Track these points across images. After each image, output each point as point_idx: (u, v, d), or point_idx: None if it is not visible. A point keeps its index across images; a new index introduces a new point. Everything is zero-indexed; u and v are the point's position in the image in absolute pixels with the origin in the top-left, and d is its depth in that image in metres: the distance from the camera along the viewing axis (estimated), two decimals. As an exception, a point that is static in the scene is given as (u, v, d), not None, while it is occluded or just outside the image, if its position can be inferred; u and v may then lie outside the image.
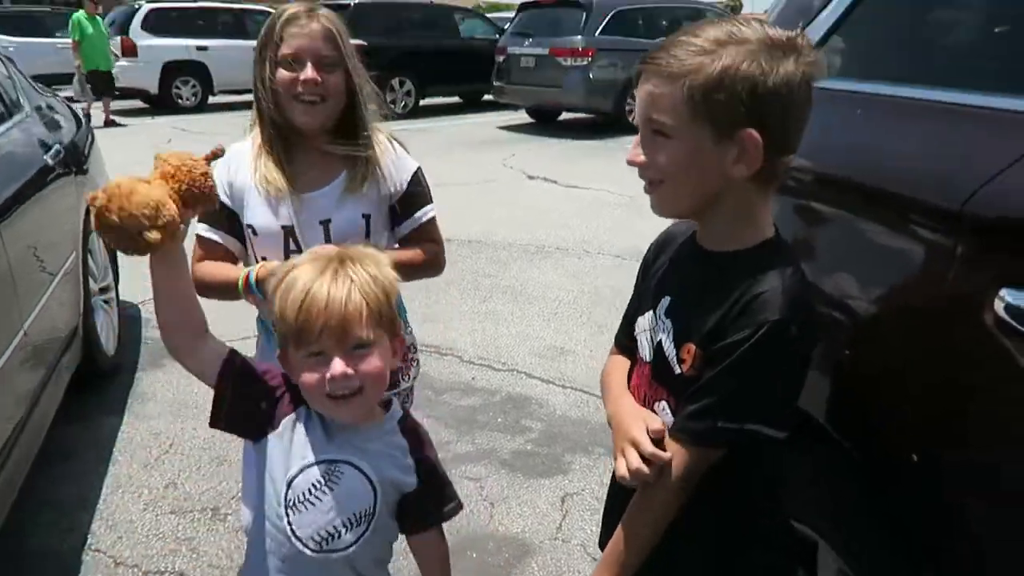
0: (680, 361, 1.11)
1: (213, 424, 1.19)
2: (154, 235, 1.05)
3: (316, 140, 1.63)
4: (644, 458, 1.07)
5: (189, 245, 1.23)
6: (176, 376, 3.49)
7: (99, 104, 11.54)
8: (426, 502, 1.21)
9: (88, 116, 11.22)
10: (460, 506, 1.26)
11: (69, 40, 15.72)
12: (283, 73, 1.56)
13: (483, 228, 5.88)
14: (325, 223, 1.61)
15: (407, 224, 1.73)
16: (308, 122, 1.59)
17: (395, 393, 1.74)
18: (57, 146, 3.28)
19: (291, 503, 1.14)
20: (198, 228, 1.66)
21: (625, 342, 1.29)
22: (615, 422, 1.18)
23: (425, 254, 1.75)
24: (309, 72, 1.54)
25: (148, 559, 2.37)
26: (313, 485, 1.13)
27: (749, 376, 1.02)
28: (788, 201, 1.52)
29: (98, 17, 11.45)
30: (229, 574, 2.28)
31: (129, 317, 4.08)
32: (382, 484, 1.16)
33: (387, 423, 1.21)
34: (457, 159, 8.76)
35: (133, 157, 9.00)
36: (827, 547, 1.33)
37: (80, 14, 11.23)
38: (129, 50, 12.57)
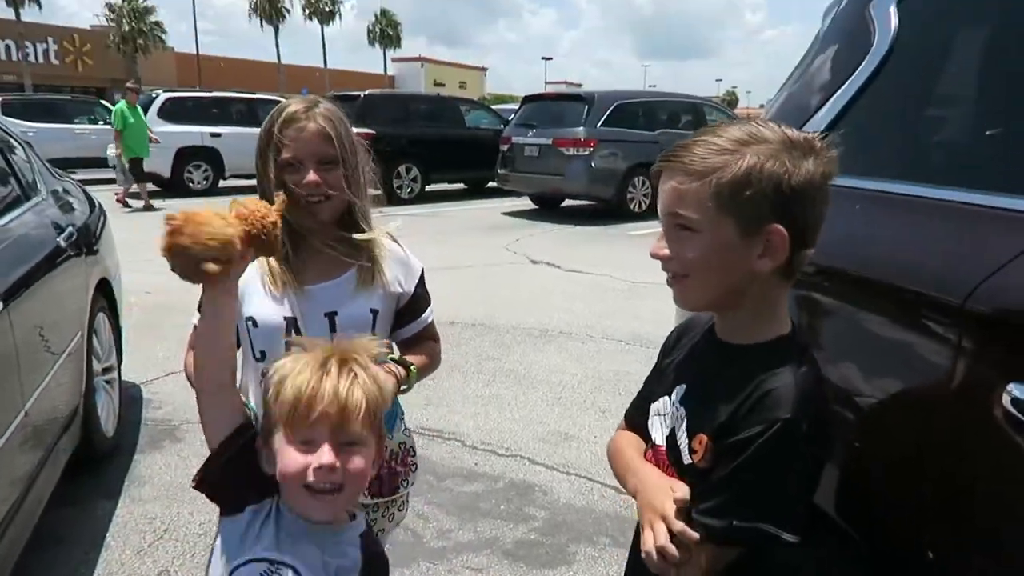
0: (692, 451, 1.11)
1: (197, 486, 1.18)
2: (212, 267, 1.10)
3: (323, 233, 1.62)
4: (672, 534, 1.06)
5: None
6: (175, 459, 3.45)
7: (117, 187, 11.81)
8: None
9: (149, 205, 11.21)
10: None
11: (87, 126, 16.31)
12: (285, 177, 1.56)
13: (487, 311, 5.91)
14: (331, 315, 1.60)
15: (415, 325, 1.75)
16: (313, 220, 1.60)
17: (392, 500, 1.70)
18: (70, 228, 3.34)
19: None
20: (195, 317, 1.64)
21: (637, 419, 1.29)
22: (641, 494, 1.15)
23: (429, 354, 1.77)
24: (311, 176, 1.54)
25: (136, 652, 2.28)
26: None
27: (761, 474, 1.02)
28: (790, 293, 1.54)
29: (138, 107, 11.67)
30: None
31: (131, 398, 4.06)
32: None
33: (347, 532, 1.19)
34: (461, 243, 8.88)
35: (142, 237, 9.12)
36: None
37: (122, 104, 11.45)
38: (145, 136, 12.96)
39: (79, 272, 3.32)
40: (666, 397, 1.21)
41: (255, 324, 1.60)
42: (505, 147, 11.83)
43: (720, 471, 1.05)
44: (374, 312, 1.63)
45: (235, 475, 1.16)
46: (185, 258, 1.10)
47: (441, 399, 4.18)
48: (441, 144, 13.00)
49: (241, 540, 1.14)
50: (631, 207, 11.07)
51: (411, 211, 11.14)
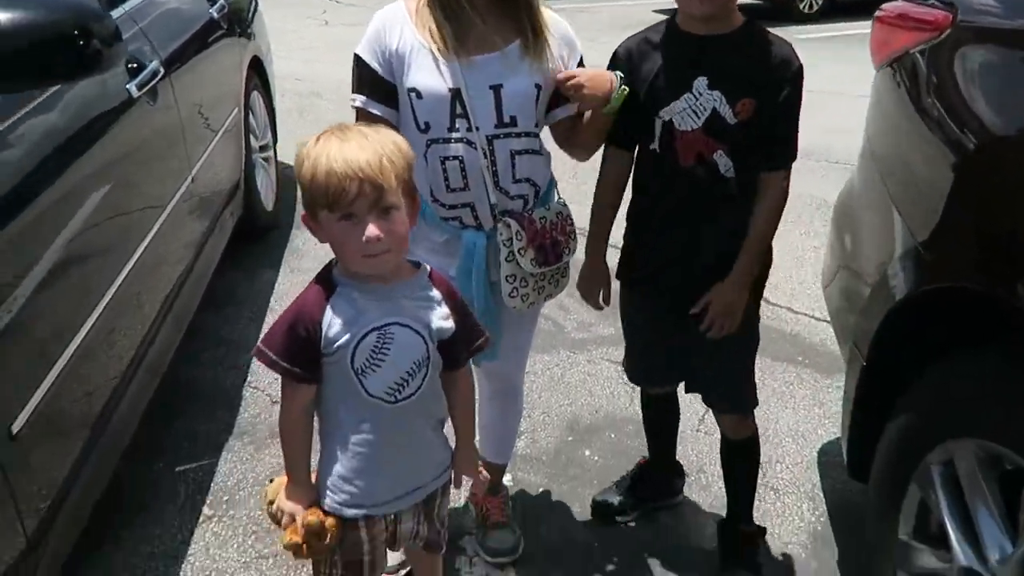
0: (736, 114, 1.53)
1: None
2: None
3: (484, 3, 1.51)
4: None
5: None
6: (327, 238, 3.59)
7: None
8: (460, 343, 1.34)
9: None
10: (487, 340, 1.39)
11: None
12: None
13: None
14: (496, 88, 1.52)
15: (571, 107, 1.63)
16: None
17: (558, 268, 1.72)
18: (221, 1, 3.31)
19: (358, 371, 1.25)
20: (356, 100, 1.60)
21: (632, 134, 1.65)
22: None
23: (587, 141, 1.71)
24: None
25: (300, 403, 2.50)
26: (371, 352, 1.24)
27: (798, 111, 1.57)
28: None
29: None
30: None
31: (286, 177, 4.20)
32: (428, 330, 1.28)
33: (419, 279, 1.31)
34: (611, 43, 8.34)
35: (294, 26, 9.13)
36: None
37: None
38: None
39: (233, 50, 3.34)
40: (687, 94, 1.55)
41: (419, 95, 1.53)
42: (663, -67, 10.74)
43: (778, 122, 1.55)
44: (538, 87, 1.56)
45: (308, 357, 1.26)
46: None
47: (586, 198, 4.08)
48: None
49: (341, 330, 1.24)
50: (800, 7, 9.91)
51: (560, 6, 10.51)
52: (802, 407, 2.54)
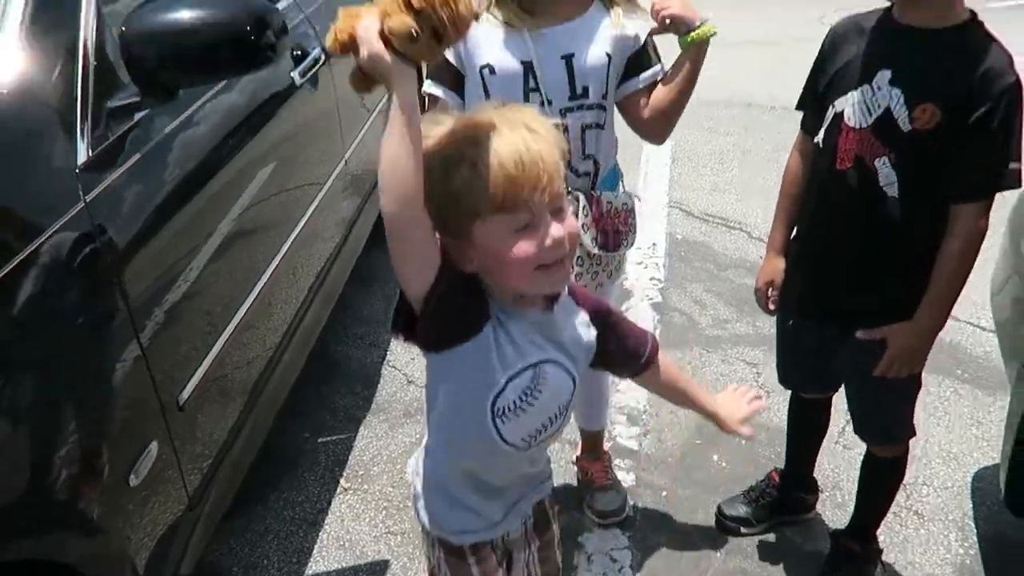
0: (912, 119, 1.37)
1: (407, 336, 1.03)
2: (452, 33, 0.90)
3: None
4: None
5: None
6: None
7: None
8: (622, 353, 1.18)
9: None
10: (656, 346, 1.21)
11: None
12: None
13: (790, 95, 5.29)
14: (568, 58, 1.55)
15: (645, 78, 1.62)
16: None
17: (615, 257, 1.74)
18: None
19: (498, 413, 1.04)
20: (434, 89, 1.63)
21: (815, 125, 1.57)
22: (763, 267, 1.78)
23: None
24: None
25: (434, 383, 2.58)
26: (522, 394, 1.04)
27: (1009, 131, 1.34)
28: None
29: None
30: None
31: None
32: (575, 365, 1.10)
33: (566, 298, 1.10)
34: (767, 15, 7.91)
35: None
36: None
37: None
38: None
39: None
40: (865, 86, 1.42)
41: (492, 71, 1.57)
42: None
43: (971, 144, 1.35)
44: (609, 56, 1.57)
45: (455, 309, 1.00)
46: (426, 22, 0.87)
47: (729, 186, 3.94)
48: None
49: (488, 364, 1.02)
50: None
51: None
52: (957, 426, 2.36)
